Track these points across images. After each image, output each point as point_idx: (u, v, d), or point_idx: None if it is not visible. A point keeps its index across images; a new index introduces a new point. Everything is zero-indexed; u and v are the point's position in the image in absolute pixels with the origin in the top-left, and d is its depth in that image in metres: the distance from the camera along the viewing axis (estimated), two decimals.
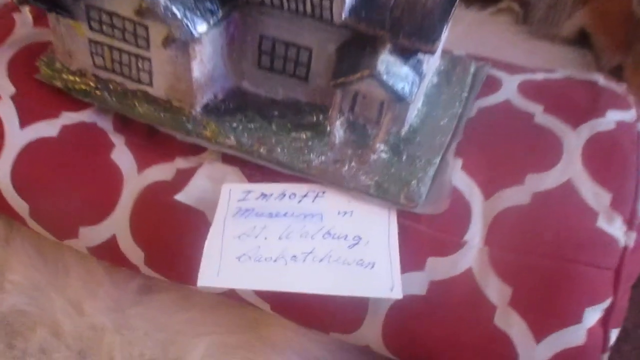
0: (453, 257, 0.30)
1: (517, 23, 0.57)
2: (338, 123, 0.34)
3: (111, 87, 0.36)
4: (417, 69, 0.32)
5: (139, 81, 0.35)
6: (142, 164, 0.34)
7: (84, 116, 0.36)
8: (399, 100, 0.31)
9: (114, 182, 0.34)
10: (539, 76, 0.38)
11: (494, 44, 0.52)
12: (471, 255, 0.30)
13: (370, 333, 0.32)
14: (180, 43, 0.31)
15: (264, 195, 0.32)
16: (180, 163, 0.34)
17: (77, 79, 0.36)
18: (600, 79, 0.37)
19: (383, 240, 0.30)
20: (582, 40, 0.55)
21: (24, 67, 0.37)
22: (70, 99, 0.36)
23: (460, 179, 0.32)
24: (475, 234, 0.30)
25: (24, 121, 0.35)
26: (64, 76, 0.36)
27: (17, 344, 0.36)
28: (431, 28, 0.30)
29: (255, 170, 0.33)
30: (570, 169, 0.31)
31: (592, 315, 0.29)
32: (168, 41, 0.31)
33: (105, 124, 0.36)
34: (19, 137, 0.35)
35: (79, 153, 0.35)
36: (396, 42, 0.30)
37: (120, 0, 0.31)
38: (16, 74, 0.37)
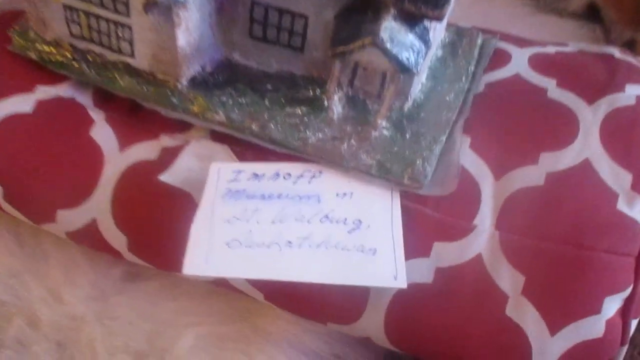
0: (461, 243, 0.29)
1: None
2: (336, 97, 0.32)
3: (89, 58, 0.34)
4: (423, 38, 0.30)
5: (120, 51, 0.33)
6: (124, 141, 0.33)
7: (60, 90, 0.34)
8: (404, 70, 0.29)
9: (94, 162, 0.32)
10: (550, 49, 0.36)
11: (499, 18, 0.51)
12: (481, 240, 0.29)
13: (371, 324, 0.30)
14: (163, 8, 0.29)
15: (255, 176, 0.31)
16: (166, 141, 0.32)
17: (53, 50, 0.34)
18: (616, 52, 0.36)
19: (385, 224, 0.29)
20: (591, 14, 0.54)
21: None
22: (46, 72, 0.34)
23: (469, 158, 0.31)
24: (485, 218, 0.29)
25: None
26: (39, 47, 0.35)
27: None
28: None
29: (247, 149, 0.32)
30: (588, 147, 0.30)
31: (612, 305, 0.28)
32: (149, 5, 0.29)
33: (84, 98, 0.34)
34: None
35: (56, 130, 0.33)
36: (401, 7, 0.28)
37: None
38: None
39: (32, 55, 0.34)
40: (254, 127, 0.31)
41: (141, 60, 0.33)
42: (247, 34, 0.33)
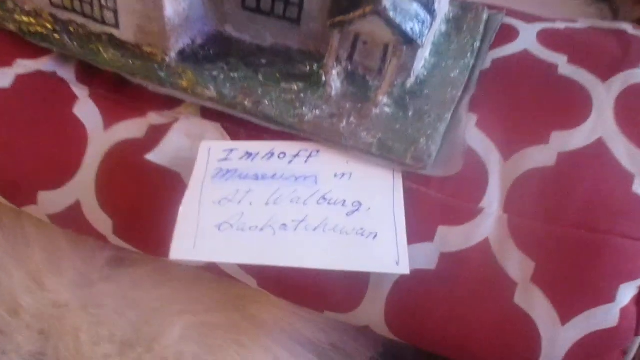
0: (467, 226, 0.28)
1: None
2: (334, 72, 0.31)
3: (71, 29, 0.33)
4: (428, 7, 0.28)
5: (103, 22, 0.32)
6: (109, 119, 0.31)
7: (41, 64, 0.33)
8: (408, 41, 0.27)
9: (77, 140, 0.31)
10: (560, 25, 0.35)
11: None
12: (488, 224, 0.28)
13: (371, 312, 0.29)
14: None
15: (248, 155, 0.29)
16: (153, 118, 0.31)
17: (32, 21, 0.33)
18: (629, 28, 0.34)
19: (387, 206, 0.28)
20: None
21: None
22: (26, 45, 0.33)
23: (475, 137, 0.29)
24: (492, 200, 0.28)
25: None
26: (17, 17, 0.33)
27: None
28: None
29: (239, 126, 0.31)
30: (601, 126, 0.29)
31: (627, 293, 0.26)
32: None
33: (67, 73, 0.33)
34: None
35: (36, 107, 0.32)
36: None
37: None
38: None
39: (11, 27, 0.33)
40: (247, 103, 0.30)
41: (126, 31, 0.31)
42: (240, 4, 0.31)
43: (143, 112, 0.31)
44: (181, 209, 0.28)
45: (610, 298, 0.26)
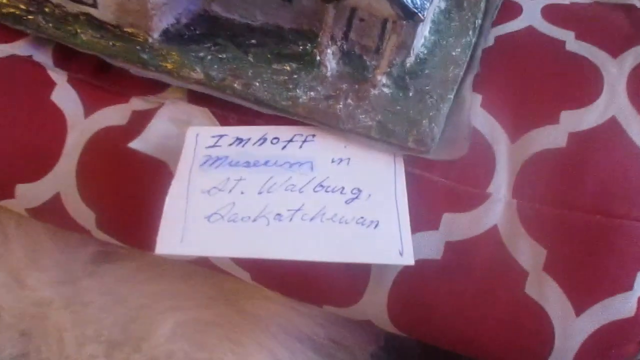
0: (474, 213, 0.27)
1: None
2: (329, 52, 0.30)
3: (47, 9, 0.31)
4: None
5: (80, 1, 0.31)
6: (90, 105, 0.31)
7: (16, 48, 0.32)
8: (409, 16, 0.26)
9: (56, 129, 0.30)
10: (564, 0, 0.34)
11: None
12: (496, 210, 0.27)
13: (373, 306, 0.29)
14: None
15: (239, 140, 0.28)
16: (136, 104, 0.30)
17: (4, 1, 0.31)
18: (638, 2, 0.34)
19: (388, 193, 0.27)
20: None
21: None
22: None
23: (481, 119, 0.29)
24: (500, 185, 0.27)
25: None
26: None
27: None
28: None
29: (229, 111, 0.30)
30: (614, 103, 0.28)
31: None
32: None
33: (43, 57, 0.32)
34: None
35: (11, 93, 0.31)
36: None
37: None
38: None
39: None
40: (237, 85, 0.29)
41: (105, 10, 0.30)
42: None
43: (125, 97, 0.30)
44: (167, 199, 0.27)
45: (627, 286, 0.26)
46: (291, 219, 0.26)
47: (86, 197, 0.30)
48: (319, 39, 0.29)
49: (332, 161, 0.28)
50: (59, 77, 0.31)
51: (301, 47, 0.31)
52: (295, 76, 0.29)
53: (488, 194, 0.27)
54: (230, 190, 0.27)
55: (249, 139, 0.28)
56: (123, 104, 0.30)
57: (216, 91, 0.29)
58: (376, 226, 0.26)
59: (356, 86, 0.29)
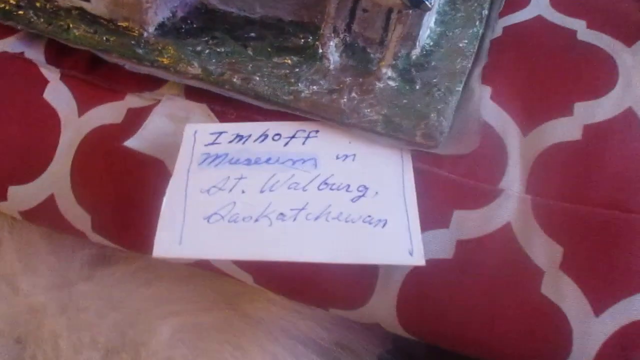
0: (486, 210, 0.26)
1: None
2: (332, 44, 0.29)
3: (38, 4, 0.31)
4: None
5: None
6: (84, 103, 0.30)
7: (7, 45, 0.32)
8: (415, 4, 0.25)
9: (49, 128, 0.30)
10: None
11: None
12: (509, 206, 0.26)
13: (382, 308, 0.28)
14: None
15: (239, 137, 0.28)
16: (132, 101, 0.30)
17: None
18: None
19: (396, 190, 0.26)
20: None
21: None
22: None
23: (491, 111, 0.28)
24: (513, 180, 0.27)
25: None
26: None
27: None
28: None
29: (228, 107, 0.29)
30: (630, 94, 0.28)
31: None
32: None
33: (35, 54, 0.32)
34: None
35: (3, 92, 0.31)
36: None
37: None
38: None
39: None
40: (236, 80, 0.28)
41: (98, 4, 0.30)
42: None
43: (121, 94, 0.30)
44: (165, 199, 0.26)
45: None
46: (295, 219, 0.26)
47: (81, 198, 0.30)
48: (321, 31, 0.29)
49: (337, 158, 0.27)
50: (51, 74, 0.31)
51: (302, 40, 0.30)
52: (297, 70, 0.29)
53: (500, 190, 0.26)
54: (230, 190, 0.27)
55: (250, 136, 0.28)
56: (118, 102, 0.30)
57: (214, 86, 0.29)
58: (384, 225, 0.25)
59: (360, 79, 0.28)
